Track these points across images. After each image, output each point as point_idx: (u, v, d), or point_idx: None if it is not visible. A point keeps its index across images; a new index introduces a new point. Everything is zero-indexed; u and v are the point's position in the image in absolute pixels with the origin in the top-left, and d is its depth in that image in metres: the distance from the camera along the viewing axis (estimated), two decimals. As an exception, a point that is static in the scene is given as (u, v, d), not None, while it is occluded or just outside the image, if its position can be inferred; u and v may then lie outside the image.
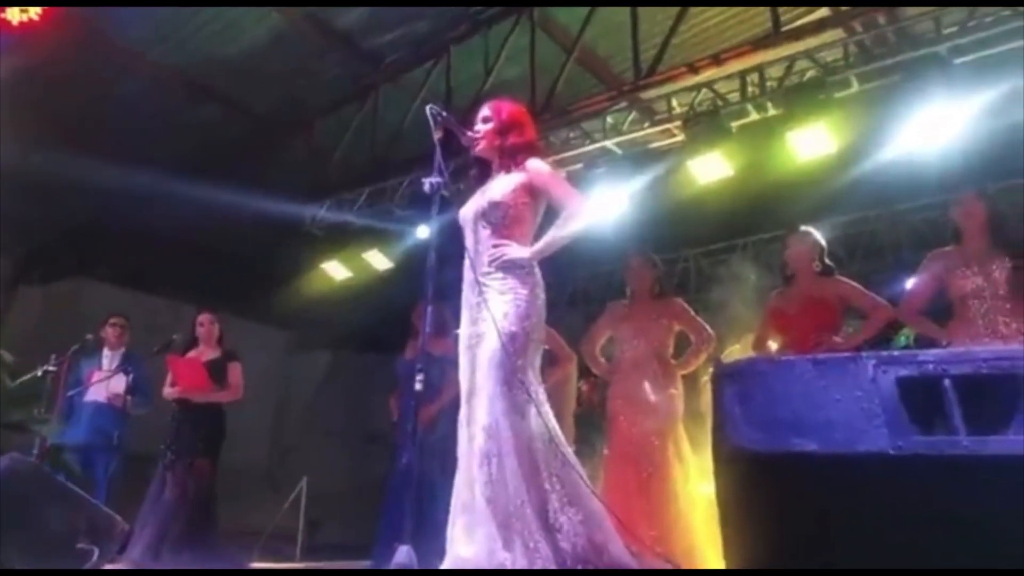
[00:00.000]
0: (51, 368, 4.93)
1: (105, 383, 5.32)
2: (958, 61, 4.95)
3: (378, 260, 7.32)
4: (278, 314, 8.28)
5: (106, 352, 5.55)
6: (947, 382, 1.59)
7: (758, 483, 1.65)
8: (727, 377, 1.72)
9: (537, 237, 3.03)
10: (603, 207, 3.05)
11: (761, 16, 5.96)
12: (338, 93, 7.38)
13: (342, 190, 7.49)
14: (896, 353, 1.68)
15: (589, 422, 5.69)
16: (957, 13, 4.98)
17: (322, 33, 6.54)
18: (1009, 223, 3.75)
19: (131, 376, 5.23)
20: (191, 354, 5.21)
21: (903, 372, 1.62)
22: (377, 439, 6.15)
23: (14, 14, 4.46)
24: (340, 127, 7.46)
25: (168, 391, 5.13)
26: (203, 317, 5.30)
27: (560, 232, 2.94)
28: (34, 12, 4.47)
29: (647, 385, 4.45)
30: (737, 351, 5.26)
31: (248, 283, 7.54)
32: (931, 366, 1.62)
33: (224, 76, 6.76)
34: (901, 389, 1.60)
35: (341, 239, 7.47)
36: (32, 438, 4.28)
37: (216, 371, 5.08)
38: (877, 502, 1.57)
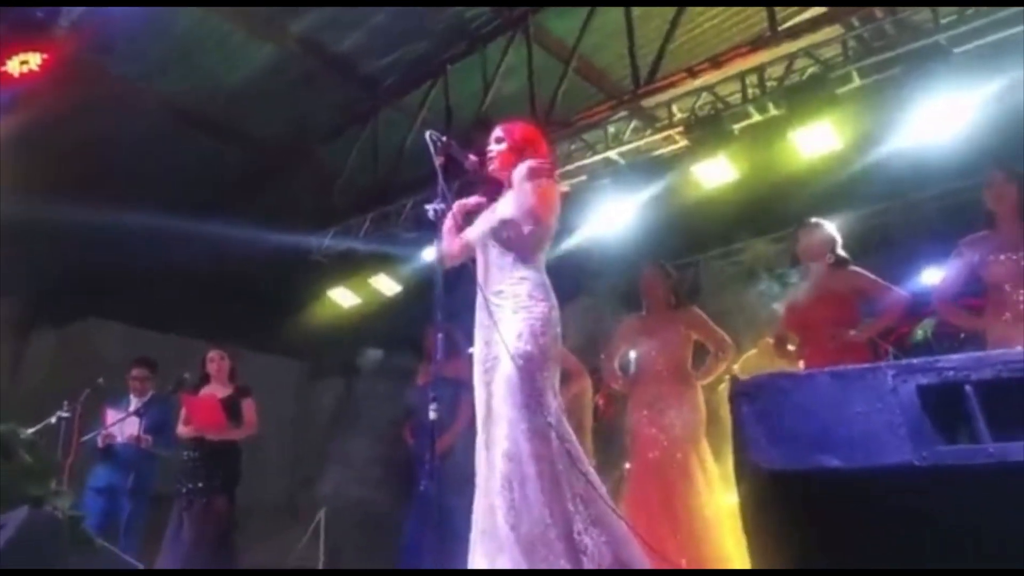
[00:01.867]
0: (64, 414, 4.94)
1: (120, 425, 5.34)
2: (958, 50, 4.89)
3: (386, 284, 7.31)
4: (289, 344, 8.29)
5: (133, 398, 5.58)
6: (969, 388, 1.54)
7: (782, 502, 1.60)
8: (744, 395, 1.68)
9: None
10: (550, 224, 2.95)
11: (757, 16, 5.92)
12: (338, 119, 7.40)
13: (347, 216, 7.50)
14: (915, 361, 1.63)
15: (607, 436, 5.64)
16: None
17: (320, 60, 6.57)
18: None
19: (144, 417, 5.23)
20: (204, 391, 5.21)
21: (923, 380, 1.57)
22: (394, 465, 6.14)
23: (14, 66, 4.49)
24: (342, 153, 7.49)
25: (183, 429, 5.14)
26: (213, 354, 5.32)
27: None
28: (34, 63, 4.50)
29: (667, 398, 4.41)
30: (754, 356, 5.20)
31: (258, 315, 7.55)
32: (952, 373, 1.57)
33: (225, 107, 6.80)
34: (922, 398, 1.55)
35: (348, 265, 7.46)
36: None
37: (231, 408, 5.08)
38: (904, 515, 1.52)
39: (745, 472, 1.71)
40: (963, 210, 5.98)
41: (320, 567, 6.55)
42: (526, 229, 2.91)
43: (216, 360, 5.27)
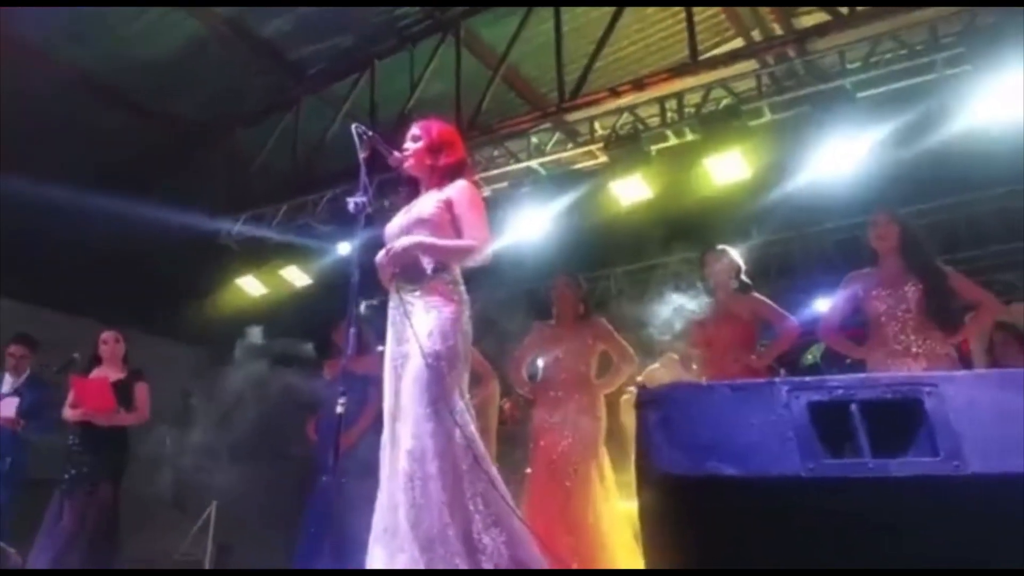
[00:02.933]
0: None
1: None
2: (861, 95, 5.23)
3: (296, 276, 7.15)
4: (188, 330, 7.98)
5: (7, 378, 5.23)
6: (854, 406, 1.66)
7: (680, 507, 1.67)
8: (650, 403, 1.74)
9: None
10: (487, 255, 2.96)
11: (680, 44, 6.16)
12: (259, 104, 7.21)
13: (261, 203, 7.30)
14: (808, 379, 1.74)
15: (512, 440, 5.71)
16: (860, 49, 5.27)
17: (245, 41, 6.38)
18: (923, 246, 3.87)
19: (24, 400, 4.92)
20: (95, 374, 4.96)
21: (814, 397, 1.68)
22: (292, 459, 6.01)
23: None
24: (260, 138, 7.29)
25: (70, 413, 4.85)
26: (107, 335, 5.05)
27: (446, 247, 2.91)
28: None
29: (571, 405, 4.50)
30: (658, 370, 5.37)
31: (157, 298, 7.24)
32: (840, 391, 1.68)
33: (139, 81, 6.50)
34: (812, 413, 1.65)
35: (258, 254, 7.26)
36: None
37: (122, 392, 4.84)
38: (792, 524, 1.62)
39: (646, 477, 1.77)
40: (856, 244, 6.38)
41: (207, 564, 6.31)
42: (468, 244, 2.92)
43: (110, 342, 5.01)
